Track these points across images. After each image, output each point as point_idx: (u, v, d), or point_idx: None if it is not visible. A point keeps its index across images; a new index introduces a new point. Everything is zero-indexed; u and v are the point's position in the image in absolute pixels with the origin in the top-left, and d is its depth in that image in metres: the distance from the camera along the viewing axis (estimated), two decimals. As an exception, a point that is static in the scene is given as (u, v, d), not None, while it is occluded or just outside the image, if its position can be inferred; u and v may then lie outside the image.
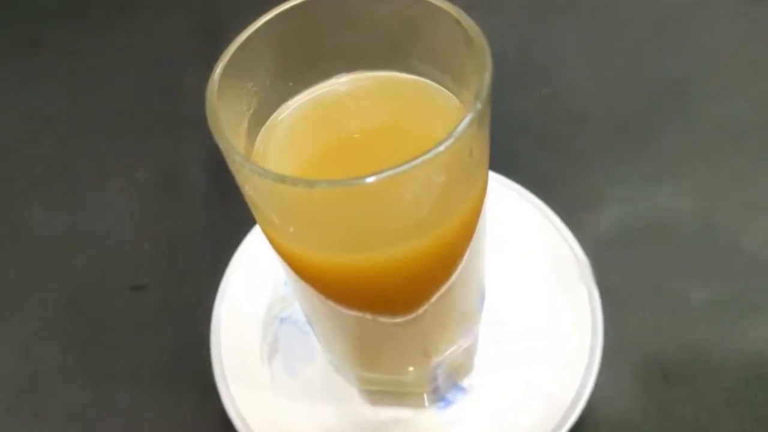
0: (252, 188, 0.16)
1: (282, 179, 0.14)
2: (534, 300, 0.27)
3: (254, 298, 0.28)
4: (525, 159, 0.33)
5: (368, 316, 0.19)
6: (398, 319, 0.20)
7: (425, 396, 0.25)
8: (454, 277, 0.19)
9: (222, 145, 0.15)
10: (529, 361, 0.26)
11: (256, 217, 0.18)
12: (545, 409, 0.24)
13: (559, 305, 0.27)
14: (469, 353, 0.26)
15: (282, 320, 0.28)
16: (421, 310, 0.19)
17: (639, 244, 0.30)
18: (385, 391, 0.25)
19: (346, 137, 0.19)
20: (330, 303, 0.19)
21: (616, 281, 0.28)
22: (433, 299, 0.19)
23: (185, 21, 0.43)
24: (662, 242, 0.30)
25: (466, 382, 0.26)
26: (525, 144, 0.34)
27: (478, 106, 0.15)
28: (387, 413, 0.25)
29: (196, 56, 0.40)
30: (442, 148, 0.14)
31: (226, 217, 0.32)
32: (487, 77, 0.15)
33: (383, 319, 0.20)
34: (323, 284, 0.19)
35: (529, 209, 0.29)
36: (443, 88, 0.19)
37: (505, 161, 0.31)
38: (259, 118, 0.19)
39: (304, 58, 0.19)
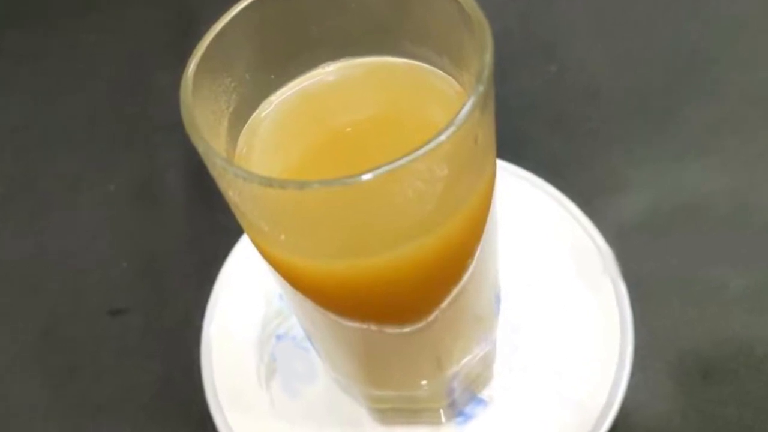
0: (237, 194, 0.16)
1: (269, 182, 0.14)
2: (554, 298, 0.27)
3: (246, 315, 0.28)
4: (535, 144, 0.33)
5: (373, 328, 0.19)
6: (406, 329, 0.20)
7: (441, 411, 0.25)
8: (465, 278, 0.19)
9: (201, 149, 0.15)
10: (553, 367, 0.26)
11: (243, 226, 0.18)
12: (574, 419, 0.24)
13: (582, 302, 0.27)
14: (487, 362, 0.26)
15: (278, 337, 0.28)
16: (431, 318, 0.19)
17: (667, 229, 0.30)
18: (398, 408, 0.25)
19: (338, 132, 0.19)
20: (330, 315, 0.19)
21: (644, 272, 0.28)
22: (444, 304, 0.19)
23: (153, 14, 0.43)
24: (692, 226, 0.30)
25: (485, 394, 0.26)
26: (534, 127, 0.34)
27: (480, 88, 0.15)
28: (400, 433, 0.25)
29: (167, 52, 0.40)
30: (443, 137, 0.14)
31: (211, 228, 0.32)
32: (488, 56, 0.15)
33: (390, 330, 0.20)
34: (322, 295, 0.18)
35: (543, 198, 0.29)
36: (440, 72, 0.19)
37: (513, 147, 0.31)
38: (240, 117, 0.19)
39: (285, 47, 0.19)
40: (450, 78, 0.18)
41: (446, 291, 0.19)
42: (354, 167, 0.13)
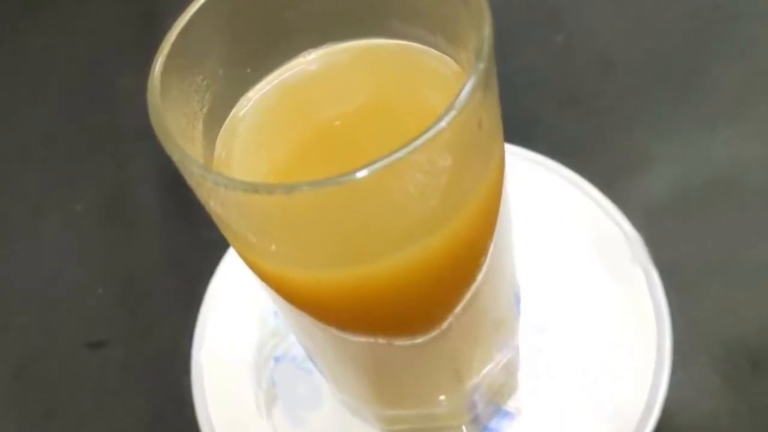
0: (218, 204, 0.16)
1: (254, 188, 0.14)
2: (580, 294, 0.27)
3: (239, 338, 0.28)
4: (546, 124, 0.33)
5: (381, 341, 0.19)
6: (418, 340, 0.20)
7: (464, 428, 0.25)
8: (479, 279, 0.19)
9: (175, 156, 0.15)
10: (584, 370, 0.26)
11: (229, 239, 0.18)
12: (612, 425, 0.24)
13: (611, 296, 0.27)
14: (511, 369, 0.26)
15: (277, 360, 0.28)
16: (444, 325, 0.19)
17: (699, 207, 0.30)
18: (415, 429, 0.25)
19: (326, 126, 0.19)
20: (332, 331, 0.19)
21: (678, 257, 0.28)
22: (458, 309, 0.19)
23: (111, 10, 0.43)
24: (727, 202, 0.30)
25: (511, 405, 0.26)
26: (544, 106, 0.34)
27: (481, 66, 0.15)
28: (420, 456, 0.25)
29: (129, 52, 0.40)
30: (443, 123, 0.14)
31: (192, 244, 0.32)
32: (487, 30, 0.15)
33: (400, 342, 0.20)
34: (321, 309, 0.19)
35: (560, 183, 0.29)
36: (435, 51, 0.19)
37: (522, 130, 0.31)
38: (216, 118, 0.19)
39: (260, 37, 0.19)
40: (446, 57, 0.19)
41: (459, 294, 0.19)
42: (347, 164, 0.13)
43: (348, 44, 0.20)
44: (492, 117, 0.16)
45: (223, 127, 0.19)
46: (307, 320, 0.19)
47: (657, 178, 0.31)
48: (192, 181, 0.15)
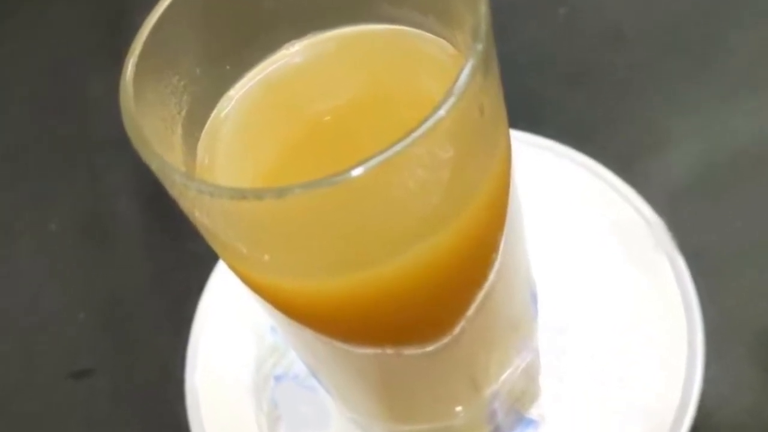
0: (204, 214, 0.16)
1: (241, 194, 0.14)
2: (602, 287, 0.27)
3: (236, 358, 0.28)
4: (554, 105, 0.33)
5: (389, 351, 0.19)
6: (429, 348, 0.20)
7: (484, 441, 0.25)
8: (491, 278, 0.19)
9: (153, 165, 0.15)
10: (610, 370, 0.26)
11: (217, 251, 0.18)
12: (645, 428, 0.24)
13: (635, 288, 0.27)
14: (531, 374, 0.26)
15: (277, 378, 0.28)
16: (456, 331, 0.19)
17: (725, 186, 0.30)
18: (431, 444, 0.25)
19: (315, 123, 0.19)
20: (336, 344, 0.19)
21: (705, 241, 0.28)
22: (470, 312, 0.19)
23: (76, 11, 0.43)
24: (755, 177, 0.30)
25: (534, 413, 0.26)
26: (550, 86, 0.34)
27: (479, 47, 0.15)
28: (439, 473, 0.25)
29: (97, 54, 0.40)
30: (442, 111, 0.14)
31: (178, 260, 0.32)
32: (484, 7, 0.15)
33: (410, 352, 0.20)
34: (322, 321, 0.19)
35: (573, 169, 0.29)
36: (428, 34, 0.19)
37: (528, 113, 0.31)
38: (196, 121, 0.19)
39: (239, 30, 0.19)
40: (441, 40, 0.19)
41: (471, 296, 0.19)
42: (340, 162, 0.13)
43: (334, 32, 0.20)
44: (494, 102, 0.16)
45: (204, 130, 0.19)
46: (307, 334, 0.19)
47: (677, 156, 0.31)
48: (174, 191, 0.15)
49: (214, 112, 0.19)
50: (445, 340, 0.19)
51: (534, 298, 0.24)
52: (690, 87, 0.33)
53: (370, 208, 0.15)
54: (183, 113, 0.18)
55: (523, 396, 0.25)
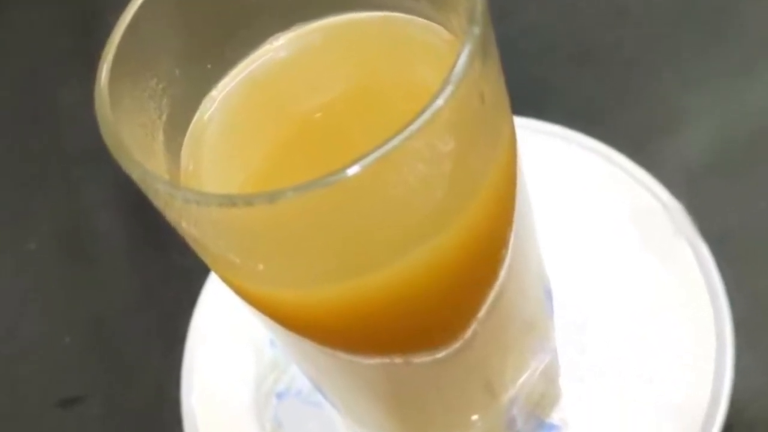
0: (192, 224, 0.16)
1: (230, 200, 0.14)
2: (620, 279, 0.27)
3: (234, 375, 0.28)
4: (559, 89, 0.33)
5: (398, 360, 0.19)
6: (440, 354, 0.20)
7: (504, 450, 0.25)
8: (502, 276, 0.19)
9: (135, 175, 0.15)
10: (634, 367, 0.26)
11: (208, 263, 0.18)
12: (675, 426, 0.24)
13: (656, 278, 0.27)
14: (550, 376, 0.26)
15: (279, 396, 0.28)
16: (468, 334, 0.19)
17: (745, 164, 0.30)
18: (448, 457, 0.25)
19: (306, 121, 0.19)
20: (340, 355, 0.19)
21: (727, 224, 0.28)
22: (481, 314, 0.19)
23: (45, 14, 0.43)
24: (778, 155, 0.30)
25: (556, 417, 0.26)
26: (554, 68, 0.34)
27: (476, 31, 0.15)
28: (457, 487, 0.25)
29: (69, 60, 0.40)
30: (440, 101, 0.14)
31: (166, 274, 0.32)
32: (479, -12, 0.15)
33: (419, 360, 0.20)
34: (324, 332, 0.19)
35: (583, 155, 0.29)
36: (421, 20, 0.19)
37: (533, 98, 0.31)
38: (177, 125, 0.19)
39: (218, 26, 0.19)
40: (434, 25, 0.19)
41: (482, 297, 0.19)
42: (335, 161, 0.13)
43: (320, 23, 0.20)
44: (495, 88, 0.16)
45: (187, 134, 0.19)
46: (309, 346, 0.19)
47: (693, 135, 0.31)
48: (158, 202, 0.15)
49: (197, 114, 0.19)
50: (457, 344, 0.19)
51: (548, 294, 0.24)
52: (703, 61, 0.33)
53: (369, 209, 0.15)
54: (163, 118, 0.18)
55: (543, 400, 0.25)
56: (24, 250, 0.35)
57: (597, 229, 0.28)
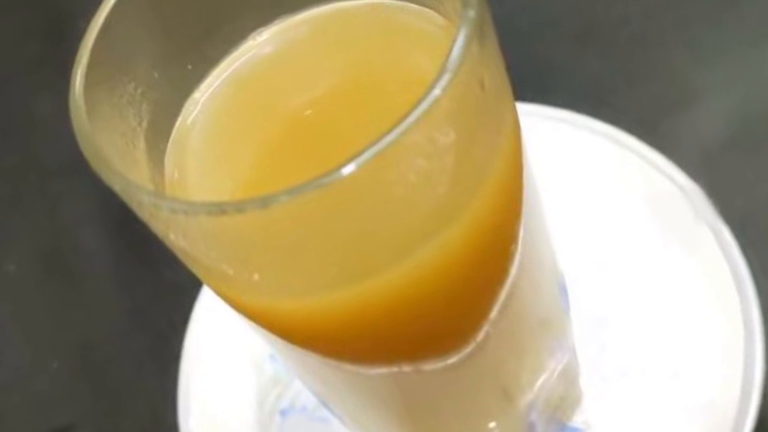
0: (180, 236, 0.16)
1: (220, 208, 0.14)
2: (639, 269, 0.27)
3: (234, 394, 0.28)
4: (564, 70, 0.33)
5: (407, 369, 0.19)
6: (451, 360, 0.20)
7: (525, 458, 0.25)
8: (512, 273, 0.19)
9: (117, 187, 0.15)
10: (659, 363, 0.26)
11: (200, 276, 0.18)
12: (706, 424, 0.24)
13: (677, 266, 0.27)
14: (570, 376, 0.26)
15: (284, 413, 0.28)
16: (479, 337, 0.19)
17: (765, 139, 0.30)
18: (466, 468, 0.25)
19: (296, 119, 0.19)
20: (345, 367, 0.19)
21: (749, 205, 0.28)
22: (493, 315, 0.19)
23: (12, 22, 0.43)
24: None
25: (578, 420, 0.26)
26: (558, 48, 0.34)
27: (471, 14, 0.15)
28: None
29: (41, 68, 0.40)
30: (438, 90, 0.14)
31: (156, 291, 0.32)
32: (471, -32, 0.15)
33: (429, 367, 0.20)
34: (327, 342, 0.19)
35: (592, 140, 0.29)
36: (412, 5, 0.19)
37: (536, 82, 0.31)
38: (159, 131, 0.19)
39: (197, 23, 0.19)
40: (426, 10, 0.19)
41: (492, 296, 0.19)
42: (329, 161, 0.13)
43: (305, 14, 0.20)
44: (495, 73, 0.16)
45: (171, 140, 0.19)
46: (312, 359, 0.19)
47: (708, 112, 0.31)
48: (143, 214, 0.15)
49: (180, 119, 0.19)
50: (468, 349, 0.19)
51: (563, 290, 0.24)
52: (715, 32, 0.33)
53: (368, 209, 0.15)
54: (144, 124, 0.18)
55: (564, 403, 0.25)
56: (4, 273, 0.35)
57: (611, 217, 0.28)
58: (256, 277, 0.16)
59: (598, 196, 0.29)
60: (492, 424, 0.23)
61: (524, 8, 0.35)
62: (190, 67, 0.19)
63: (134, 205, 0.15)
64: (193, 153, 0.19)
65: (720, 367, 0.25)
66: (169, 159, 0.19)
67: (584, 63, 0.33)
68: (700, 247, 0.27)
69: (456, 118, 0.15)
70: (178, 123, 0.19)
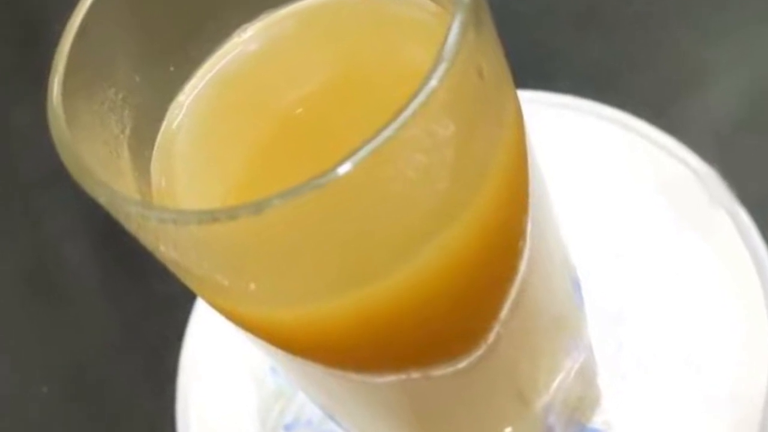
0: (170, 247, 0.16)
1: (211, 216, 0.14)
2: (654, 259, 0.27)
3: (235, 410, 0.28)
4: (565, 53, 0.33)
5: (415, 375, 0.19)
6: (462, 364, 0.20)
7: (545, 463, 0.25)
8: (522, 269, 0.19)
9: (102, 199, 0.15)
10: (681, 357, 0.26)
11: (193, 288, 0.18)
12: (733, 417, 0.24)
13: (694, 253, 0.27)
14: (588, 376, 0.26)
15: (288, 428, 0.28)
16: (490, 339, 0.19)
17: (782, 118, 0.30)
18: (482, 477, 0.25)
19: (287, 119, 0.19)
20: (351, 376, 0.19)
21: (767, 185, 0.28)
22: (503, 315, 0.19)
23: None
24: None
25: (598, 421, 0.26)
26: (558, 32, 0.34)
27: (466, -1, 0.15)
28: None
29: (16, 78, 0.40)
30: (434, 81, 0.14)
31: (148, 306, 0.32)
32: (464, -49, 0.15)
33: (439, 372, 0.20)
34: (330, 352, 0.19)
35: (598, 126, 0.29)
36: (404, -7, 0.19)
37: (537, 68, 0.31)
38: (143, 138, 0.19)
39: (178, 22, 0.19)
40: (419, -2, 0.19)
41: (502, 295, 0.19)
42: (323, 161, 0.13)
43: (290, 8, 0.20)
44: (494, 60, 0.16)
45: (156, 147, 0.19)
46: (315, 370, 0.19)
47: (718, 91, 0.31)
48: (131, 225, 0.15)
49: (164, 124, 0.19)
50: (479, 351, 0.19)
51: (576, 285, 0.24)
52: (723, 8, 0.33)
53: (367, 210, 0.15)
54: (127, 131, 0.18)
55: (582, 403, 0.25)
56: (-14, 295, 0.35)
57: (622, 206, 0.28)
58: (252, 286, 0.16)
59: (608, 184, 0.29)
60: (508, 430, 0.23)
61: (520, -9, 0.35)
62: (172, 68, 0.19)
63: (121, 217, 0.15)
64: (181, 159, 0.19)
65: (744, 357, 0.25)
66: (155, 166, 0.19)
67: (586, 46, 0.33)
68: (717, 233, 0.27)
69: (455, 109, 0.15)
70: (162, 128, 0.19)
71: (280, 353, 0.19)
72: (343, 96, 0.19)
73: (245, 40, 0.20)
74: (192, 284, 0.18)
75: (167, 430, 0.28)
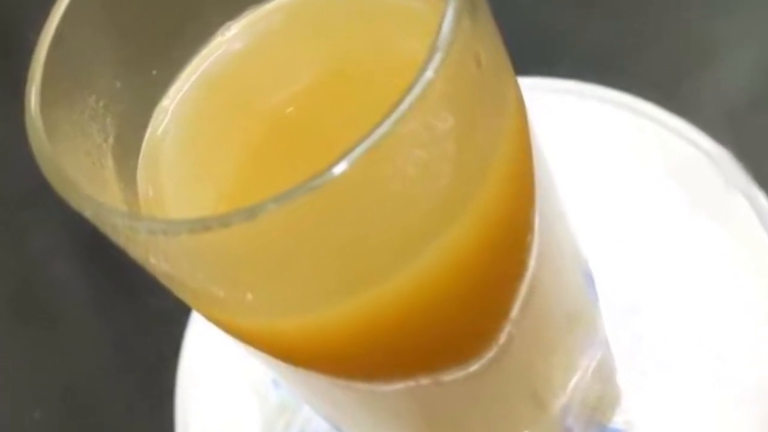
0: (161, 258, 0.16)
1: (203, 224, 0.14)
2: (670, 247, 0.27)
3: (237, 427, 0.28)
4: (566, 36, 0.33)
5: (424, 382, 0.19)
6: (473, 367, 0.20)
7: (565, 467, 0.25)
8: (531, 265, 0.19)
9: (87, 212, 0.15)
10: (703, 348, 0.26)
11: (188, 300, 0.18)
12: (762, 408, 0.24)
13: (711, 239, 0.27)
14: (605, 374, 0.26)
15: (294, 443, 0.28)
16: (502, 339, 0.19)
17: (796, 94, 0.30)
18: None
19: (277, 119, 0.19)
20: (358, 386, 0.19)
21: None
22: (514, 314, 0.19)
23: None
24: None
25: (619, 420, 0.26)
26: (559, 14, 0.34)
27: (459, -15, 0.15)
28: None
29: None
30: (430, 72, 0.14)
31: (141, 322, 0.32)
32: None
33: (449, 377, 0.20)
34: (334, 361, 0.19)
35: (604, 111, 0.29)
36: (393, -19, 0.19)
37: (538, 53, 0.31)
38: (128, 146, 0.19)
39: (158, 23, 0.19)
40: (411, -14, 0.19)
41: (512, 293, 0.19)
42: (317, 161, 0.13)
43: (275, 3, 0.20)
44: (491, 47, 0.16)
45: (141, 155, 0.19)
46: (319, 380, 0.19)
47: (730, 70, 0.31)
48: (119, 238, 0.15)
49: (149, 130, 0.19)
50: (491, 353, 0.19)
51: (589, 279, 0.24)
52: (728, -20, 0.33)
53: (366, 211, 0.15)
54: (110, 140, 0.18)
55: (601, 403, 0.25)
56: (-29, 318, 0.35)
57: (633, 193, 0.28)
58: (249, 296, 0.17)
59: (617, 170, 0.29)
60: (524, 434, 0.23)
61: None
62: (155, 72, 0.19)
63: (108, 230, 0.15)
64: (168, 166, 0.19)
65: (768, 347, 0.25)
66: (141, 175, 0.19)
67: (588, 26, 0.33)
68: (734, 217, 0.27)
69: (453, 100, 0.15)
70: (147, 135, 0.19)
71: (282, 365, 0.19)
72: (336, 92, 0.19)
73: (230, 39, 0.20)
74: (186, 297, 0.18)
75: (167, 451, 0.28)
